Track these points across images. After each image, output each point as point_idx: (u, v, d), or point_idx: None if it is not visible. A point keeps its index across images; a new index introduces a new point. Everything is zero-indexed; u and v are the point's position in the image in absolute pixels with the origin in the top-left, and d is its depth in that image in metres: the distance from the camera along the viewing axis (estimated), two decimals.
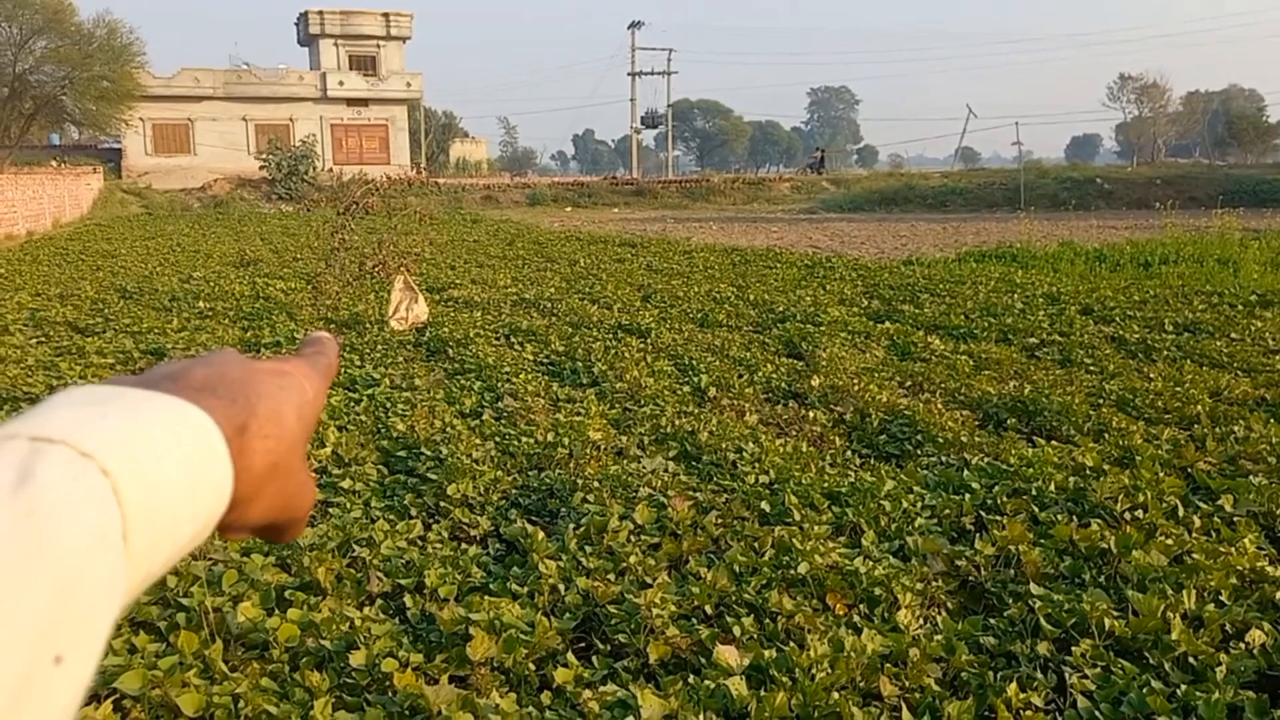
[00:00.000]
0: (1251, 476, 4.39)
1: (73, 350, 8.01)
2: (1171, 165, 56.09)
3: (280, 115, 49.77)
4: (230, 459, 0.43)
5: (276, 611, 3.28)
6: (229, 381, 0.46)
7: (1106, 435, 5.35)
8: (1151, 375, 6.87)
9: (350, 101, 51.12)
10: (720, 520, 4.09)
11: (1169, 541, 3.69)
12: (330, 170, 44.07)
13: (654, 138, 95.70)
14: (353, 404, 6.22)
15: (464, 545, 4.02)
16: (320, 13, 51.08)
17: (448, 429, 5.47)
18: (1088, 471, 4.57)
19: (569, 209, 41.81)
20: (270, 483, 0.46)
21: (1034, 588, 3.42)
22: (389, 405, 6.14)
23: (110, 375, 6.86)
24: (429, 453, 5.06)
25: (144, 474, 0.38)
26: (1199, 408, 5.81)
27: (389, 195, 11.77)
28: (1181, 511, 4.05)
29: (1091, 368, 7.29)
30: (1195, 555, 3.51)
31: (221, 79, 48.70)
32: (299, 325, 9.26)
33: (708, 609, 3.36)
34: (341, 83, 50.61)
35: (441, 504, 4.47)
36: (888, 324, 9.25)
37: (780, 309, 10.20)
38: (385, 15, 52.02)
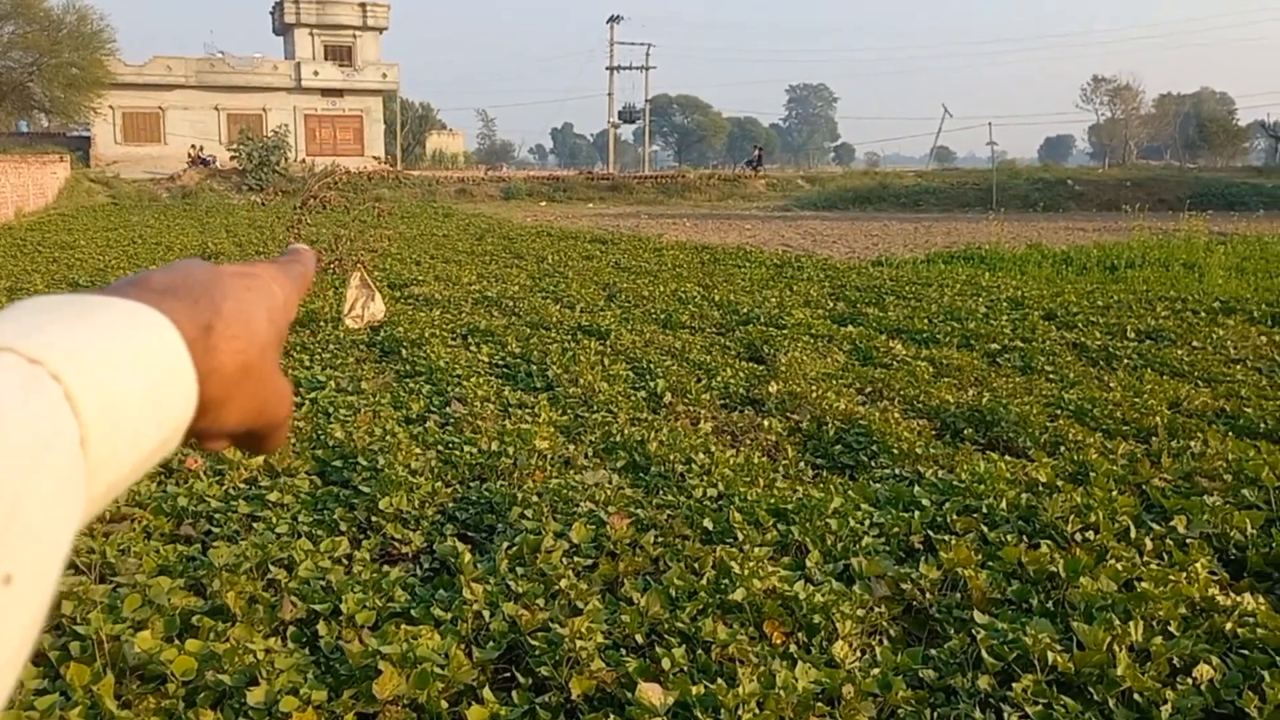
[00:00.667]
0: (1206, 495, 4.28)
1: None
2: (1142, 167, 56.49)
3: (253, 105, 49.27)
4: (194, 360, 0.41)
5: (179, 640, 3.10)
6: (191, 284, 0.44)
7: (1062, 448, 5.23)
8: (1111, 384, 6.77)
9: (325, 92, 50.67)
10: (660, 539, 3.94)
11: (1119, 566, 3.56)
12: (303, 161, 43.61)
13: (632, 133, 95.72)
14: (294, 408, 6.02)
15: (391, 565, 3.84)
16: (296, 1, 50.56)
17: (388, 437, 5.28)
18: (1041, 488, 4.45)
19: (544, 204, 41.54)
20: (242, 385, 0.44)
21: (978, 615, 3.29)
22: (331, 410, 5.95)
23: None
24: (365, 463, 4.88)
25: (99, 378, 0.37)
26: (1157, 419, 5.70)
27: (356, 188, 11.56)
28: (1134, 533, 3.93)
29: (1052, 375, 7.19)
30: (1145, 582, 3.38)
31: (194, 67, 48.14)
32: None
33: (639, 638, 3.20)
34: (316, 73, 50.14)
35: (373, 519, 4.29)
36: (851, 327, 9.12)
37: (745, 310, 10.06)
38: (362, 5, 51.56)
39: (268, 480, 4.74)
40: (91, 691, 2.75)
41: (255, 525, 4.20)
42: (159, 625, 3.17)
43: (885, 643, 3.23)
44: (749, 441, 5.63)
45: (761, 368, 7.44)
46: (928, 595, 3.49)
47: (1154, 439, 5.40)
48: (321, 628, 3.24)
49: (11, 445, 0.33)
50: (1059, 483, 4.48)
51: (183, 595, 3.40)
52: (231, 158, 41.96)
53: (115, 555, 3.78)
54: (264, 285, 0.50)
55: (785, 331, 8.78)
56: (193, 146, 44.50)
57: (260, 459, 4.96)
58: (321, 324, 9.11)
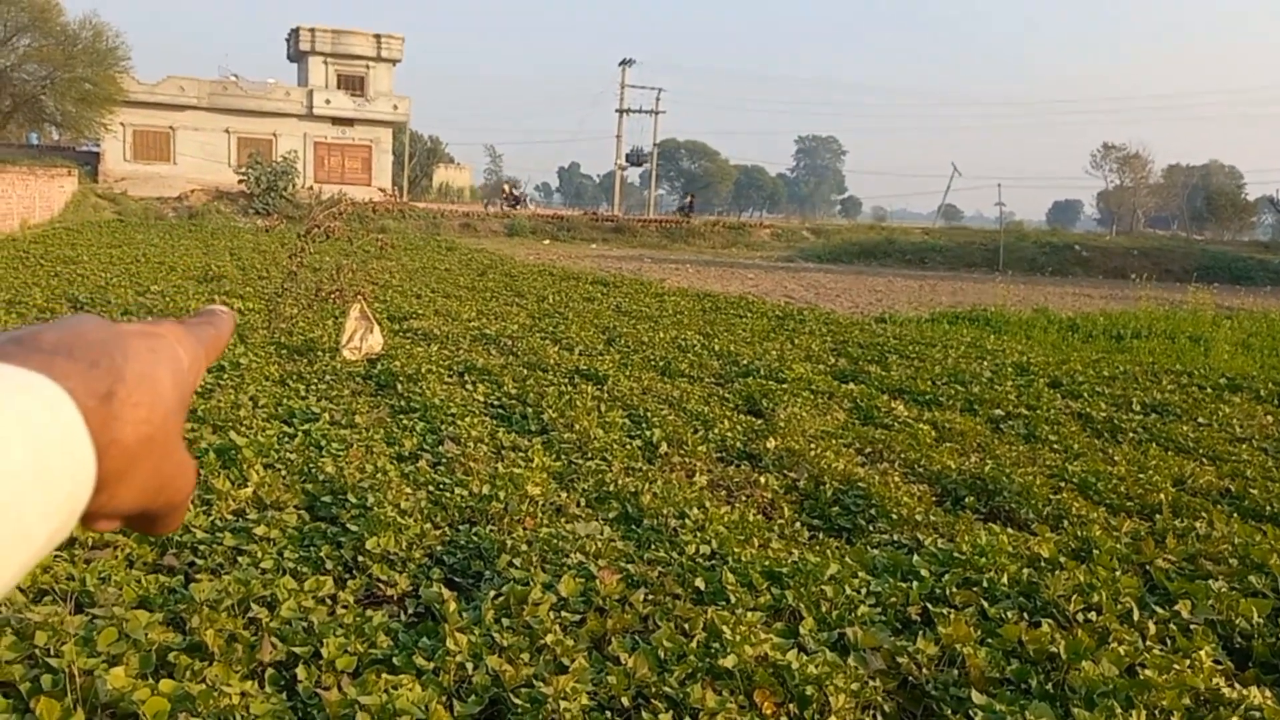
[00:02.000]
0: (1211, 580, 4.19)
1: None
2: (1150, 236, 56.76)
3: (264, 130, 49.49)
4: (92, 432, 0.37)
5: (154, 678, 2.99)
6: (88, 344, 0.39)
7: (1066, 523, 5.15)
8: (1116, 458, 6.69)
9: (336, 120, 50.93)
10: (651, 597, 3.84)
11: (1122, 650, 3.47)
12: (310, 188, 43.73)
13: (639, 175, 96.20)
14: (286, 440, 5.94)
15: (374, 609, 3.74)
16: (312, 30, 50.99)
17: (379, 474, 5.19)
18: (1043, 563, 4.35)
19: (547, 242, 41.66)
20: (144, 459, 0.40)
21: (976, 695, 3.19)
22: (323, 443, 5.86)
23: None
24: (355, 500, 4.78)
25: None
26: (1162, 496, 5.63)
27: (361, 218, 11.54)
28: (1137, 615, 3.84)
29: (1056, 445, 7.11)
30: (1148, 669, 3.28)
31: (207, 89, 48.39)
32: (249, 349, 8.96)
33: (625, 700, 3.10)
34: (328, 101, 50.43)
35: (359, 558, 4.20)
36: (852, 385, 9.06)
37: (745, 361, 10.00)
38: (377, 36, 51.98)
39: (255, 513, 4.65)
40: None
41: (240, 559, 4.10)
42: (134, 661, 3.07)
43: (879, 719, 3.14)
44: (744, 498, 5.54)
45: (760, 421, 7.36)
46: (924, 671, 3.39)
47: (1158, 517, 5.31)
48: (301, 672, 3.14)
49: None
50: (1061, 559, 4.40)
51: (161, 630, 3.30)
52: (240, 181, 42.12)
53: (95, 584, 3.69)
54: (168, 347, 0.45)
55: (785, 386, 8.71)
56: (506, 183, 46.83)
57: (250, 490, 4.87)
58: (319, 353, 9.03)
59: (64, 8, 34.45)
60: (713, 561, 4.31)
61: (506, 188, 55.46)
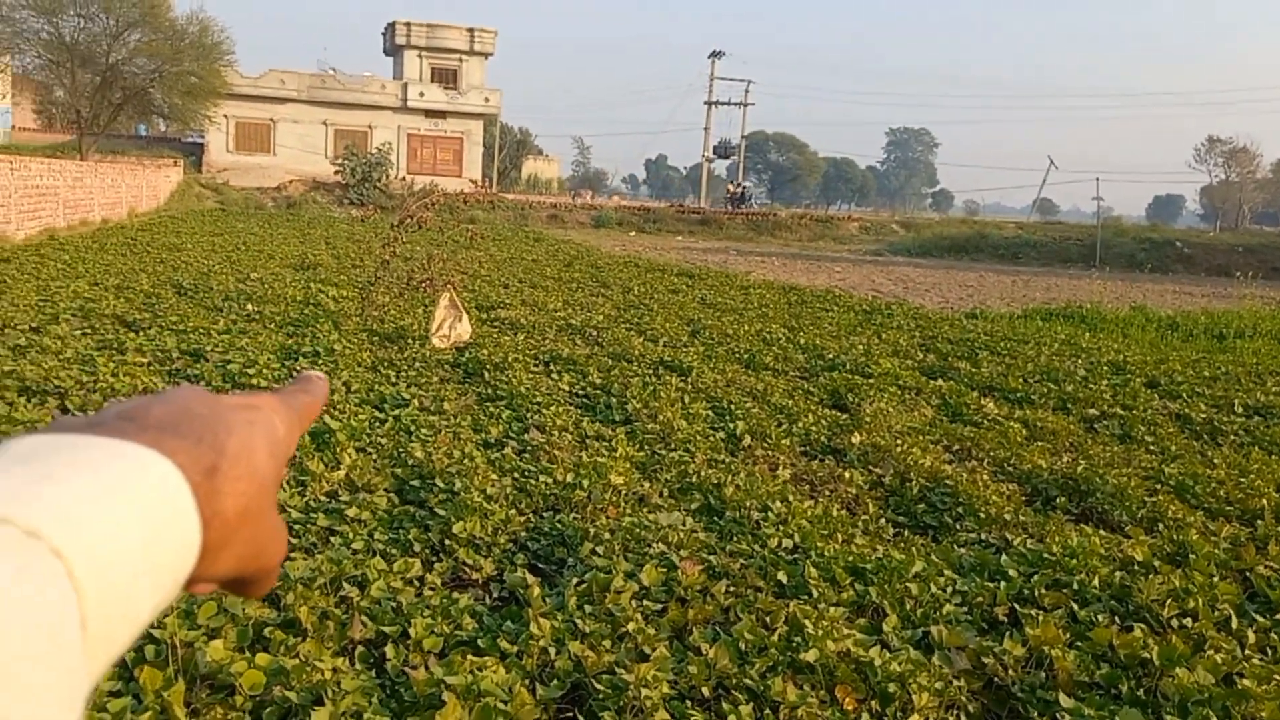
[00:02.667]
0: None
1: (114, 345, 7.98)
2: (1256, 233, 54.61)
3: (360, 122, 50.49)
4: (198, 507, 0.39)
5: (250, 651, 3.10)
6: (192, 418, 0.41)
7: (1161, 526, 5.01)
8: (1215, 461, 6.48)
9: (429, 113, 51.72)
10: (732, 589, 3.85)
11: (1218, 658, 3.36)
12: (403, 179, 44.58)
13: (726, 168, 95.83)
14: (377, 424, 6.07)
15: (460, 592, 3.82)
16: (407, 24, 51.85)
17: (466, 460, 5.28)
18: (1136, 567, 4.25)
19: (633, 233, 41.77)
20: (241, 529, 0.42)
21: (1064, 698, 3.13)
22: (412, 429, 5.98)
23: (143, 375, 6.82)
24: (442, 484, 4.88)
25: (100, 547, 0.33)
26: (1264, 502, 5.43)
27: (452, 209, 11.72)
28: (1235, 622, 3.72)
29: (1152, 447, 6.91)
30: (1247, 679, 3.18)
31: (306, 82, 49.54)
32: (343, 335, 9.17)
33: (705, 691, 3.11)
34: (422, 94, 51.23)
35: (446, 542, 4.28)
36: (941, 381, 8.92)
37: (830, 355, 9.91)
38: (470, 30, 52.63)
39: (347, 495, 4.77)
40: (162, 697, 2.76)
41: (332, 539, 4.21)
42: (232, 635, 3.18)
43: (963, 719, 3.10)
44: (828, 492, 5.50)
45: (845, 416, 7.30)
46: (1011, 672, 3.34)
47: (1259, 522, 5.14)
48: (389, 650, 3.22)
49: (17, 645, 0.29)
50: (1156, 562, 4.28)
51: (257, 606, 3.41)
52: (336, 172, 43.10)
53: None
54: (266, 419, 0.47)
55: (871, 380, 8.62)
56: (731, 183, 47.83)
57: (342, 472, 4.99)
58: (409, 341, 9.21)
59: (172, 3, 35.52)
60: (795, 555, 4.29)
61: (730, 187, 54.26)
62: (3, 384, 6.24)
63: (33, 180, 19.75)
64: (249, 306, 10.59)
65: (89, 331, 8.70)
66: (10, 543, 0.31)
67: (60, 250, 15.83)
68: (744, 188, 57.69)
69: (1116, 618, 3.76)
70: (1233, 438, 7.29)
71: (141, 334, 8.65)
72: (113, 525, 0.34)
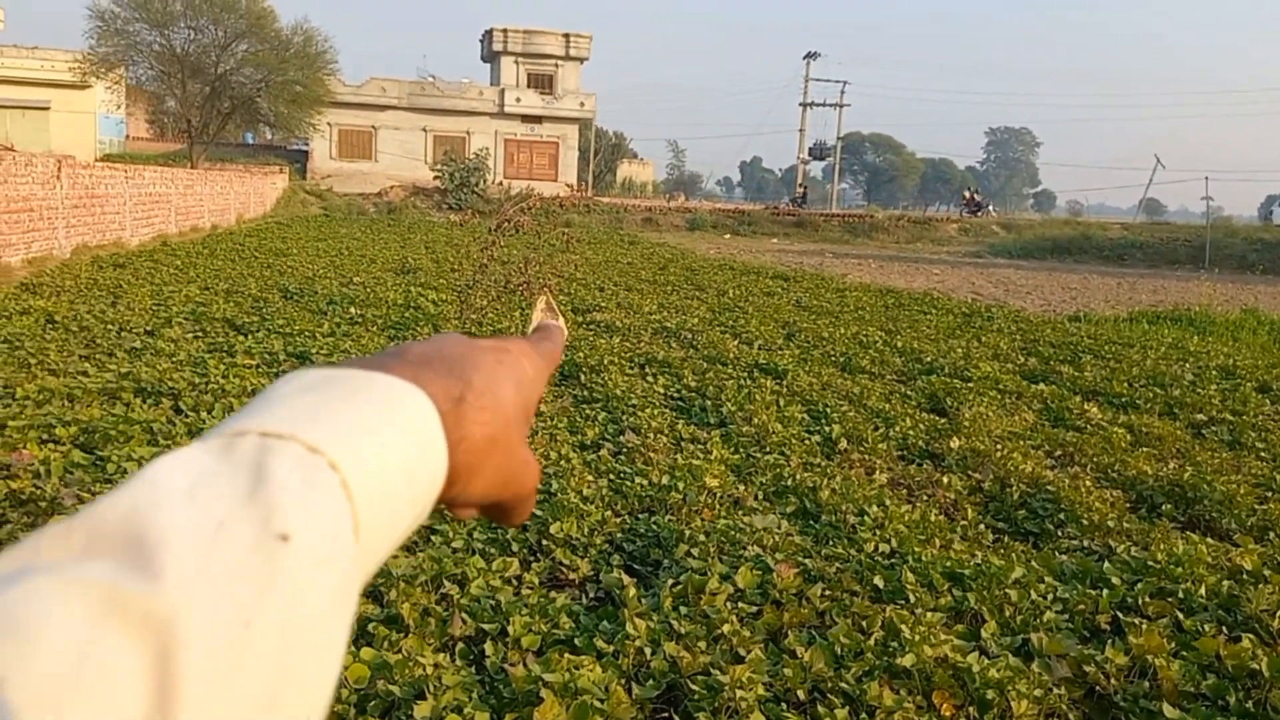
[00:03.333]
0: None
1: (224, 348, 8.29)
2: None
3: (458, 128, 51.40)
4: (446, 433, 0.43)
5: (354, 645, 3.21)
6: (445, 356, 0.46)
7: (1272, 534, 4.84)
8: None
9: (525, 118, 52.40)
10: (828, 592, 3.84)
11: None
12: (500, 184, 45.29)
13: (821, 169, 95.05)
14: (540, 481, 6.19)
15: (557, 591, 3.89)
16: (504, 31, 52.64)
17: (563, 461, 5.37)
18: (1245, 576, 4.11)
19: (728, 236, 41.70)
20: (489, 457, 0.45)
21: (1169, 709, 3.06)
22: None
23: (251, 377, 7.07)
24: (540, 485, 4.96)
25: (369, 464, 0.38)
26: None
27: (548, 213, 11.88)
28: None
29: (1263, 453, 6.67)
30: None
31: (406, 90, 50.64)
32: None
33: (800, 694, 3.12)
34: (519, 99, 51.93)
35: (544, 542, 4.36)
36: (1042, 385, 8.73)
37: (928, 359, 9.78)
38: (565, 36, 53.19)
39: None
40: None
41: (433, 538, 4.32)
42: None
43: None
44: (926, 497, 5.45)
45: (943, 420, 7.20)
46: (1113, 681, 3.27)
47: None
48: (488, 647, 3.30)
49: (305, 545, 0.34)
50: (1266, 572, 4.14)
51: (362, 601, 3.51)
52: (435, 177, 43.98)
53: None
54: (514, 359, 0.51)
55: (970, 384, 8.48)
56: (967, 190, 48.78)
57: None
58: None
59: (278, 14, 36.66)
60: (892, 560, 4.26)
61: (967, 194, 53.84)
62: (121, 385, 6.53)
63: (146, 188, 20.61)
64: (352, 310, 10.89)
65: (200, 334, 9.06)
66: (296, 456, 0.36)
67: (172, 255, 16.49)
68: (973, 193, 57.17)
69: (1224, 628, 3.65)
70: None
71: (250, 337, 8.96)
72: (379, 446, 0.39)
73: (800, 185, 59.47)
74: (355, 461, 0.37)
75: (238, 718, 0.31)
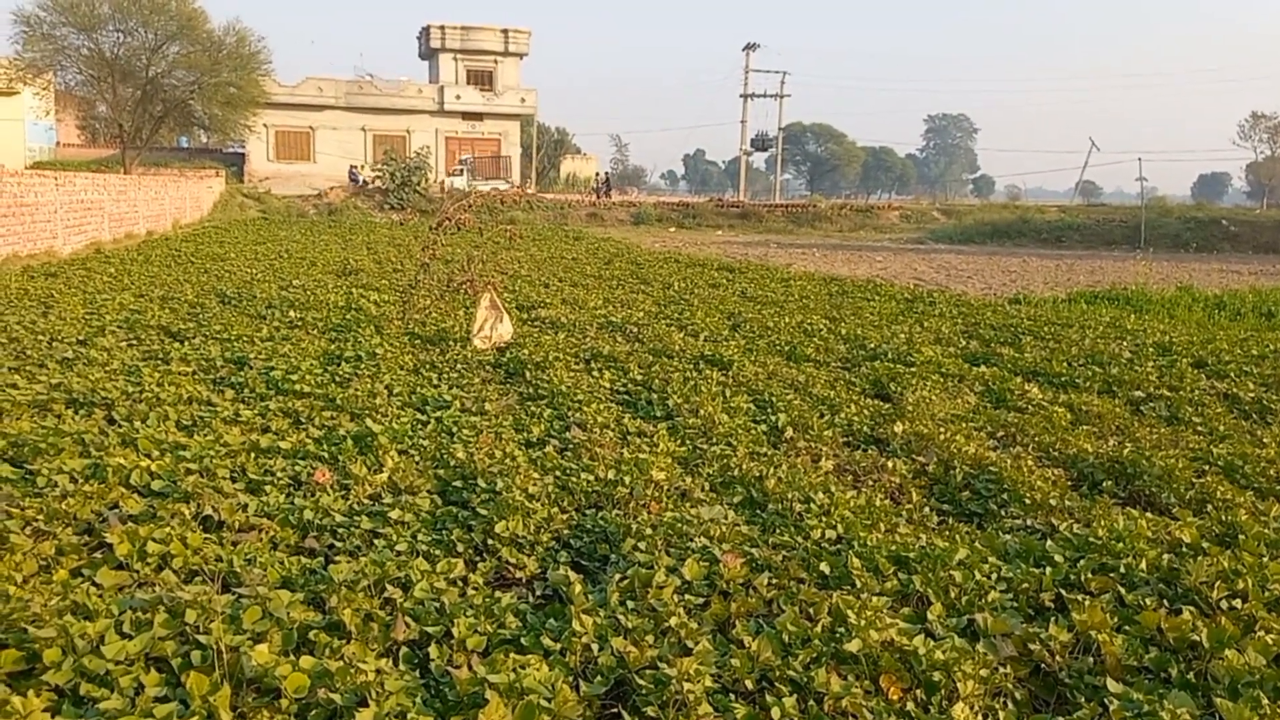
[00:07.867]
0: None
1: (159, 355, 8.11)
2: None
3: (398, 126, 50.93)
4: None
5: (295, 654, 3.14)
6: None
7: (1210, 508, 4.93)
8: (1265, 440, 6.36)
9: (465, 115, 52.05)
10: (775, 581, 3.84)
11: (1269, 639, 3.30)
12: (442, 182, 44.92)
13: (764, 160, 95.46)
14: (419, 426, 6.13)
15: (503, 591, 3.84)
16: (442, 27, 52.21)
17: (508, 459, 5.32)
18: (1184, 549, 4.18)
19: (673, 229, 41.76)
20: None
21: (1112, 683, 3.09)
22: (455, 430, 6.03)
23: (187, 384, 6.92)
24: (485, 485, 4.91)
25: None
26: None
27: (490, 210, 11.78)
28: None
29: (1200, 428, 6.80)
30: None
31: (344, 89, 50.05)
32: (385, 339, 9.25)
33: (749, 684, 3.11)
34: (458, 96, 51.56)
35: (489, 542, 4.32)
36: (984, 367, 8.83)
37: (872, 345, 9.85)
38: (504, 31, 52.89)
39: (390, 497, 4.82)
40: (209, 702, 2.80)
41: (376, 541, 4.26)
42: (277, 639, 3.22)
43: (1010, 707, 3.07)
44: (871, 482, 5.48)
45: (887, 406, 7.25)
46: (1057, 658, 3.31)
47: None
48: (433, 651, 3.25)
49: None
50: (1205, 544, 4.21)
51: (302, 610, 3.45)
52: (375, 177, 43.54)
53: (241, 565, 3.88)
54: None
55: (914, 369, 8.56)
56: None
57: (385, 475, 5.04)
58: (451, 343, 9.27)
59: (209, 15, 36.03)
60: (838, 546, 4.27)
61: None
62: (51, 396, 6.37)
63: (78, 195, 20.14)
64: (291, 313, 10.72)
65: (135, 343, 8.86)
66: None
67: (106, 263, 16.12)
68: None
69: (1165, 601, 3.71)
70: None
71: (186, 344, 8.78)
72: None
73: (604, 174, 59.49)
74: None
75: None
